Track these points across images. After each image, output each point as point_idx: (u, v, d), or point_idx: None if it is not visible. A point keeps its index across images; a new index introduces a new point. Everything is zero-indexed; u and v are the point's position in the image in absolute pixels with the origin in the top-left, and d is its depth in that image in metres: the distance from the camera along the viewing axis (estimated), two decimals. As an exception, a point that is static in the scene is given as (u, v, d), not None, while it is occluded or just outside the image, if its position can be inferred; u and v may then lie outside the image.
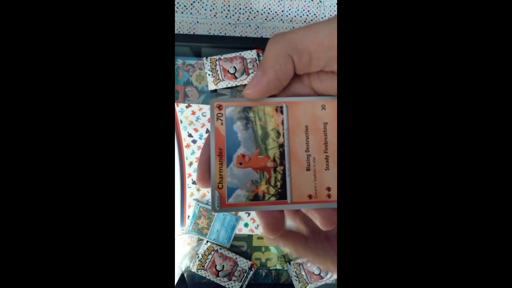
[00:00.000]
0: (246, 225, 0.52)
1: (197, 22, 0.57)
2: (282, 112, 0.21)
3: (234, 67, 0.52)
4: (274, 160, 0.21)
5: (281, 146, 0.21)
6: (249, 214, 0.52)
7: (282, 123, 0.21)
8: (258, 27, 0.58)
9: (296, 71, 0.20)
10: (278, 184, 0.20)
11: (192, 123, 0.53)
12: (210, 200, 0.53)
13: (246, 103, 0.21)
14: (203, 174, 0.20)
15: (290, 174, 0.21)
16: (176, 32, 0.56)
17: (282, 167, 0.21)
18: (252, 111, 0.21)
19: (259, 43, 0.52)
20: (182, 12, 0.57)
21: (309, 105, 0.21)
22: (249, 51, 0.52)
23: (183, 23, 0.57)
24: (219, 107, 0.21)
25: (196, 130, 0.53)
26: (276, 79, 0.20)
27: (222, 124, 0.21)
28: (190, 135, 0.53)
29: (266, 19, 0.58)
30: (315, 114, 0.21)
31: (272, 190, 0.20)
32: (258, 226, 0.52)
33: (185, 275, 0.53)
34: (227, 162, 0.20)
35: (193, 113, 0.53)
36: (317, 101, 0.21)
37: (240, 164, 0.20)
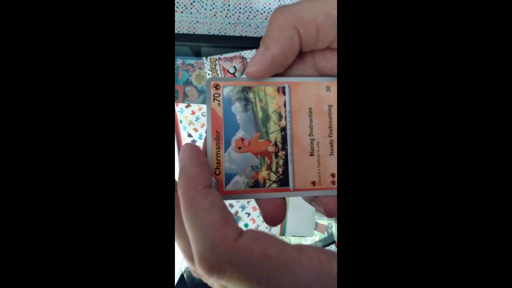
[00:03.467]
0: (246, 225, 0.52)
1: (197, 22, 0.57)
2: (284, 93, 0.19)
3: (234, 66, 0.52)
4: (275, 144, 0.19)
5: (283, 129, 0.19)
6: (249, 214, 0.52)
7: (284, 105, 0.19)
8: (258, 26, 0.58)
9: (302, 47, 0.18)
10: (280, 170, 0.19)
11: (192, 123, 0.53)
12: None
13: (246, 83, 0.19)
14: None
15: (293, 159, 0.19)
16: (176, 31, 0.56)
17: (284, 152, 0.19)
18: (252, 92, 0.19)
19: (259, 43, 0.52)
20: (182, 12, 0.57)
21: (313, 86, 0.20)
22: (249, 51, 0.52)
23: (183, 22, 0.57)
24: (216, 86, 0.19)
25: (195, 130, 0.53)
26: (281, 54, 0.18)
27: (219, 105, 0.19)
28: (189, 135, 0.53)
29: (266, 18, 0.57)
30: (319, 96, 0.20)
31: (274, 177, 0.19)
32: (258, 226, 0.52)
33: (185, 275, 0.53)
34: (224, 146, 0.19)
35: (193, 113, 0.53)
36: (322, 81, 0.20)
37: (239, 148, 0.19)
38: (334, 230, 0.55)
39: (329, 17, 0.17)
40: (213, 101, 0.19)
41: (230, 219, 0.15)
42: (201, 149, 0.19)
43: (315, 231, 0.57)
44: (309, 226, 0.56)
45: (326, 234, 0.57)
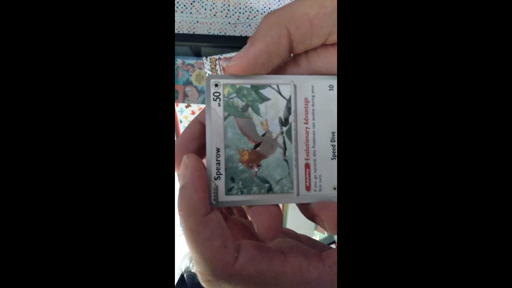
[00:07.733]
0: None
1: (197, 22, 0.57)
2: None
3: (234, 66, 0.52)
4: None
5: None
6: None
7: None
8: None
9: (295, 46, 0.17)
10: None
11: (192, 123, 0.53)
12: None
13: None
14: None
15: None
16: (176, 31, 0.56)
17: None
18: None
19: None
20: (182, 12, 0.57)
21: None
22: (249, 51, 0.52)
23: (183, 22, 0.57)
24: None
25: (196, 130, 0.53)
26: (265, 52, 0.17)
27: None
28: (189, 135, 0.53)
29: (266, 18, 0.57)
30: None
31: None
32: (258, 226, 0.52)
33: (184, 275, 0.53)
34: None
35: (193, 113, 0.53)
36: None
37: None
38: (334, 230, 0.55)
39: (322, 8, 0.16)
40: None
41: (229, 245, 0.16)
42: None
43: (315, 231, 0.57)
44: (309, 226, 0.56)
45: (326, 234, 0.57)
